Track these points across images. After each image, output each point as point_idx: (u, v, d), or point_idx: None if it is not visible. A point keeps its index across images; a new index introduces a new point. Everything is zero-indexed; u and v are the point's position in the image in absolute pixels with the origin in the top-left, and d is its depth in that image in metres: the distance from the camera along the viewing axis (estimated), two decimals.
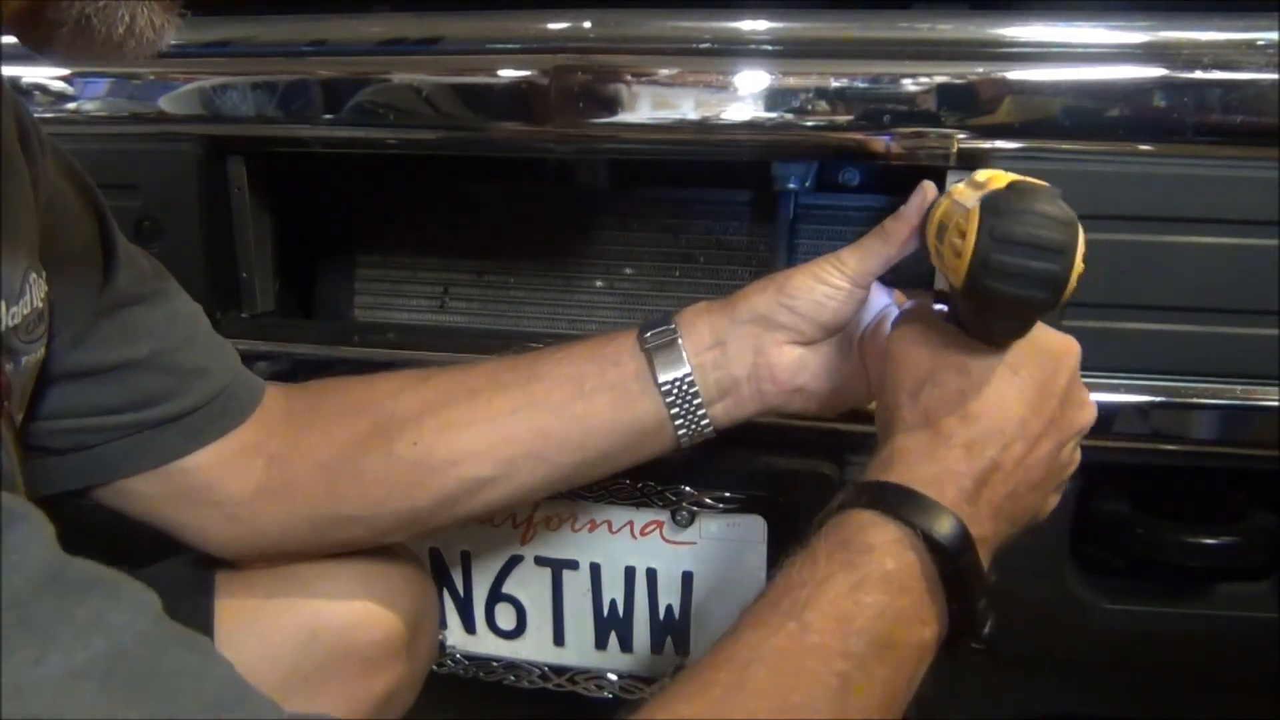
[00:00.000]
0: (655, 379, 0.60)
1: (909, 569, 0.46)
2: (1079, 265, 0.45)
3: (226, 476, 0.62)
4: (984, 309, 0.48)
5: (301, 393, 0.68)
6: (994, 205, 0.46)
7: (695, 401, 0.61)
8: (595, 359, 0.62)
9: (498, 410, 0.62)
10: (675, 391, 0.60)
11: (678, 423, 0.61)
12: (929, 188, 0.59)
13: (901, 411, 0.53)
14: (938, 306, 0.59)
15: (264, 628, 0.64)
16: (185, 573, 0.66)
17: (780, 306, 0.60)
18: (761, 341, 0.61)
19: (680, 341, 0.61)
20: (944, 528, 0.47)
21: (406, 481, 0.62)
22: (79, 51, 0.40)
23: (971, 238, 0.46)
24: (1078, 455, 0.55)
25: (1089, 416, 0.54)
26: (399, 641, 0.68)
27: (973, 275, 0.46)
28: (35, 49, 0.40)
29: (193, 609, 0.63)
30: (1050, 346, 0.53)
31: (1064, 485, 0.56)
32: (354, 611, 0.66)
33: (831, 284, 0.60)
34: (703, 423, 0.62)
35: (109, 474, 0.59)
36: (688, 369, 0.60)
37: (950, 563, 0.47)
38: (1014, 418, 0.51)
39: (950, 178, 0.70)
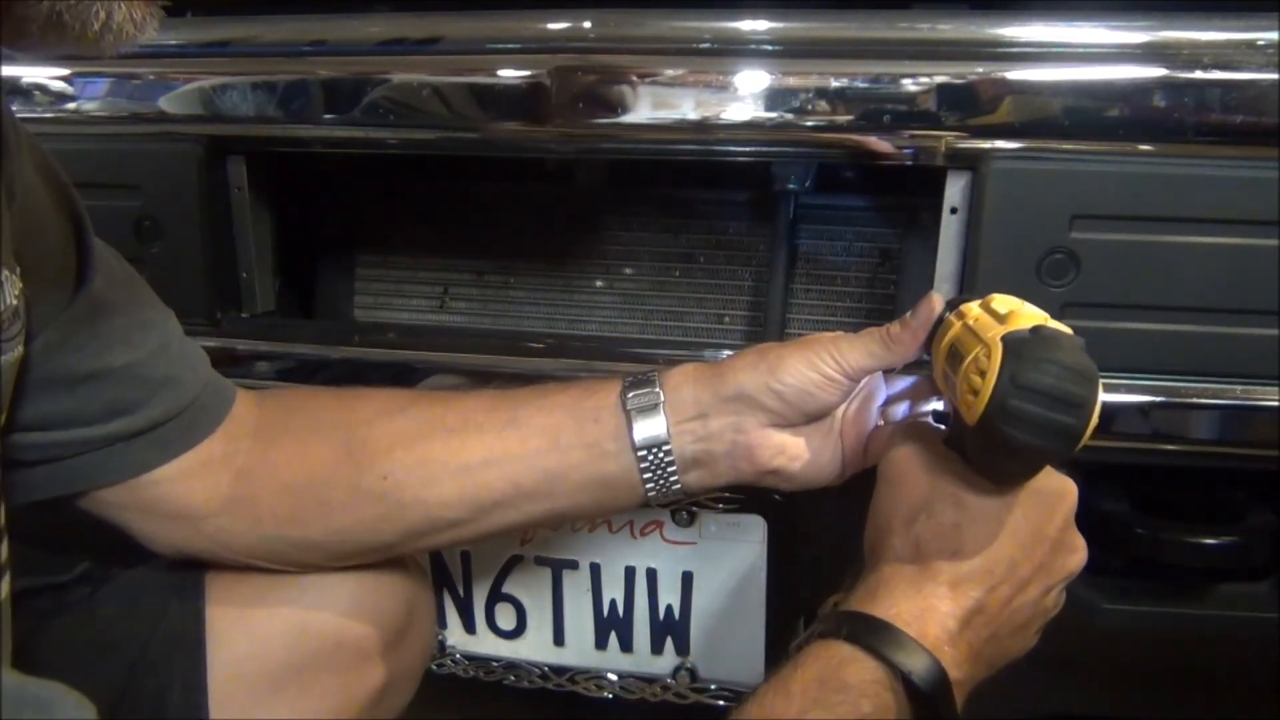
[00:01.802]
0: (633, 441, 0.60)
1: (885, 712, 0.46)
2: (1095, 420, 0.45)
3: (193, 489, 0.61)
4: (993, 450, 0.47)
5: (273, 402, 0.67)
6: (1018, 349, 0.45)
7: (670, 468, 0.60)
8: (574, 412, 0.61)
9: (471, 455, 0.61)
10: (650, 457, 0.60)
11: (649, 484, 0.61)
12: (936, 300, 0.57)
13: (893, 539, 0.53)
14: (937, 425, 0.59)
15: (254, 623, 0.64)
16: (175, 569, 0.66)
17: (768, 390, 0.59)
18: (743, 421, 0.60)
19: (662, 406, 0.60)
20: (924, 670, 0.47)
21: (373, 514, 0.62)
22: (52, 48, 0.39)
23: (991, 379, 0.45)
24: (1062, 599, 0.55)
25: (1079, 562, 0.54)
26: (391, 636, 0.68)
27: (988, 417, 0.45)
28: (6, 45, 0.39)
29: (182, 606, 0.63)
30: (1048, 488, 0.52)
31: (1042, 628, 0.55)
32: (345, 606, 0.66)
33: (825, 374, 0.58)
34: (674, 486, 0.61)
35: (77, 485, 0.59)
36: (666, 437, 0.60)
37: (927, 708, 0.47)
38: (1004, 559, 0.51)
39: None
